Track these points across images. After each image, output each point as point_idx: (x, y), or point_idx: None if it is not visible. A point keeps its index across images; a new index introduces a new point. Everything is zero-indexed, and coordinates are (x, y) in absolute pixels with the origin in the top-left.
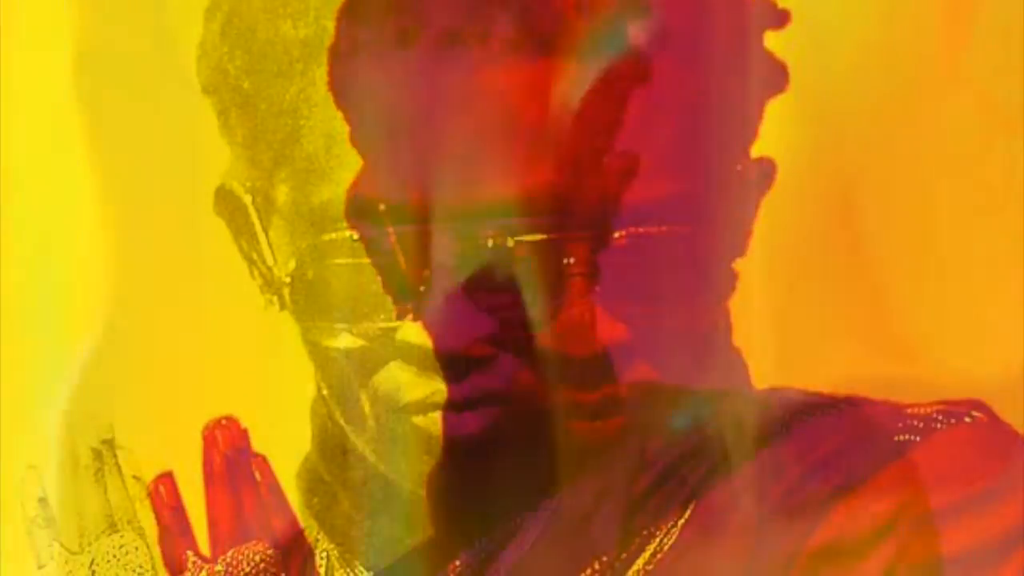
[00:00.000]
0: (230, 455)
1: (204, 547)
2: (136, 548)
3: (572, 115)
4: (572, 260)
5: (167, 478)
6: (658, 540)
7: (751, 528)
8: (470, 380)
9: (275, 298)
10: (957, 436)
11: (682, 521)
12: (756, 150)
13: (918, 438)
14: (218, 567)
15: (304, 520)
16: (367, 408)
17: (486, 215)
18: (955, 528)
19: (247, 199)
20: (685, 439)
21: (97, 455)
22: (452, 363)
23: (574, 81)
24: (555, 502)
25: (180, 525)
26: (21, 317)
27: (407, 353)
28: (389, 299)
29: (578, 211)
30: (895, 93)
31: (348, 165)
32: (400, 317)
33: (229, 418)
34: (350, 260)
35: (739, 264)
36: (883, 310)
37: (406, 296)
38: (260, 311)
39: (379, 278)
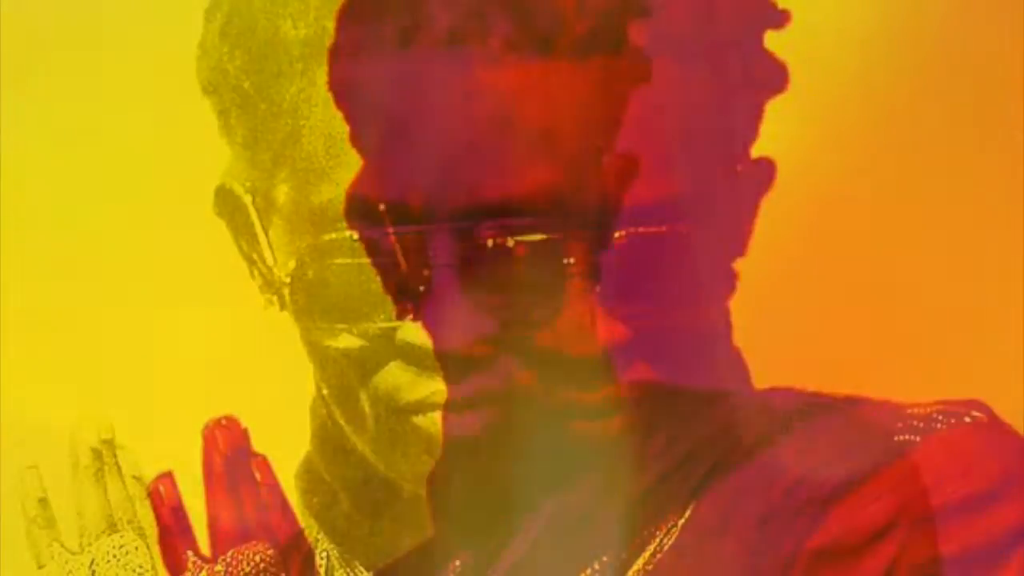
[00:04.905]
0: (230, 455)
1: (204, 547)
2: (136, 548)
3: (572, 115)
4: (572, 260)
5: (167, 478)
6: (658, 540)
7: (751, 528)
8: (470, 380)
9: (275, 298)
10: (957, 436)
11: (682, 521)
12: (756, 150)
13: (918, 438)
14: (218, 567)
15: (304, 520)
16: (367, 408)
17: (486, 215)
18: (955, 528)
19: (247, 199)
20: (685, 439)
21: (97, 455)
22: (452, 363)
23: (574, 81)
24: (555, 502)
25: (180, 525)
26: (21, 317)
27: (407, 353)
28: (389, 299)
29: (578, 211)
30: (895, 93)
31: (348, 165)
32: (400, 317)
33: (229, 418)
34: (350, 260)
35: (739, 264)
36: (883, 310)
37: (406, 296)
38: (260, 311)
39: (379, 278)
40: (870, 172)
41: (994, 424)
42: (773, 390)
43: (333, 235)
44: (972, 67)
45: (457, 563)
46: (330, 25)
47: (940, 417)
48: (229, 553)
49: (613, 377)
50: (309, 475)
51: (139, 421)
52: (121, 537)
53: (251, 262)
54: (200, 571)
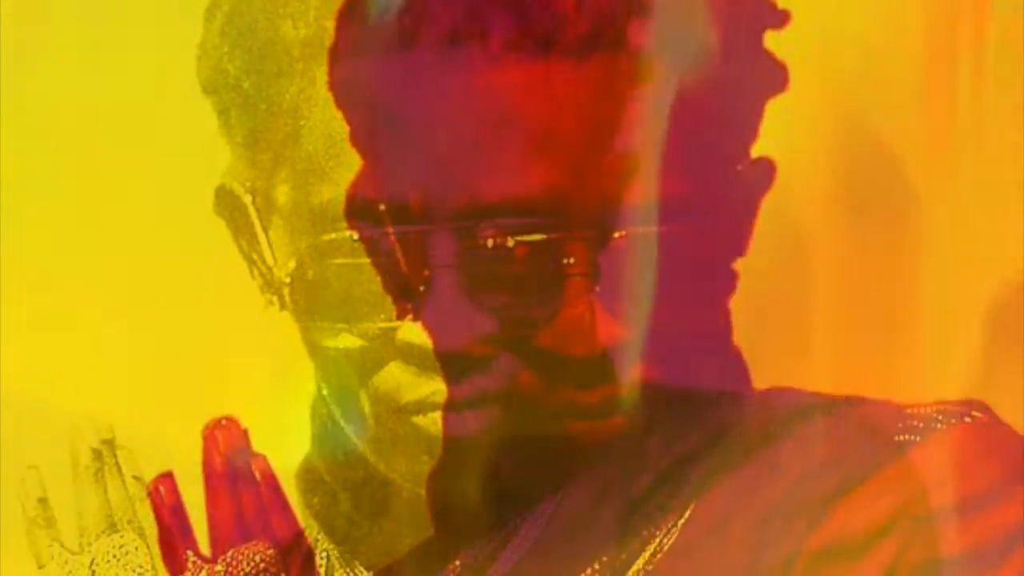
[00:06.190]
0: (230, 455)
1: (204, 547)
2: (136, 548)
3: (572, 115)
4: (572, 260)
5: (167, 478)
6: (658, 540)
7: (751, 528)
8: (470, 380)
9: (275, 298)
10: (957, 436)
11: (682, 521)
12: (756, 150)
13: (918, 438)
14: (218, 567)
15: (304, 520)
16: (367, 408)
17: (486, 215)
18: (955, 528)
19: (247, 199)
20: (685, 439)
21: (97, 455)
22: (452, 363)
23: (574, 81)
24: (555, 502)
25: (180, 525)
26: (21, 317)
27: (407, 353)
28: (389, 299)
29: (578, 211)
30: (894, 93)
31: (348, 165)
32: (400, 317)
33: (229, 418)
34: (350, 260)
35: (739, 264)
36: (883, 309)
37: (406, 296)
38: (260, 311)
39: (379, 278)
40: (870, 172)
41: (994, 424)
42: (773, 390)
43: (333, 235)
44: (972, 67)
45: (457, 563)
46: (330, 25)
47: (940, 417)
48: (229, 553)
49: (613, 377)
50: (309, 475)
51: (139, 421)
52: (121, 537)
53: (251, 262)
54: (200, 571)
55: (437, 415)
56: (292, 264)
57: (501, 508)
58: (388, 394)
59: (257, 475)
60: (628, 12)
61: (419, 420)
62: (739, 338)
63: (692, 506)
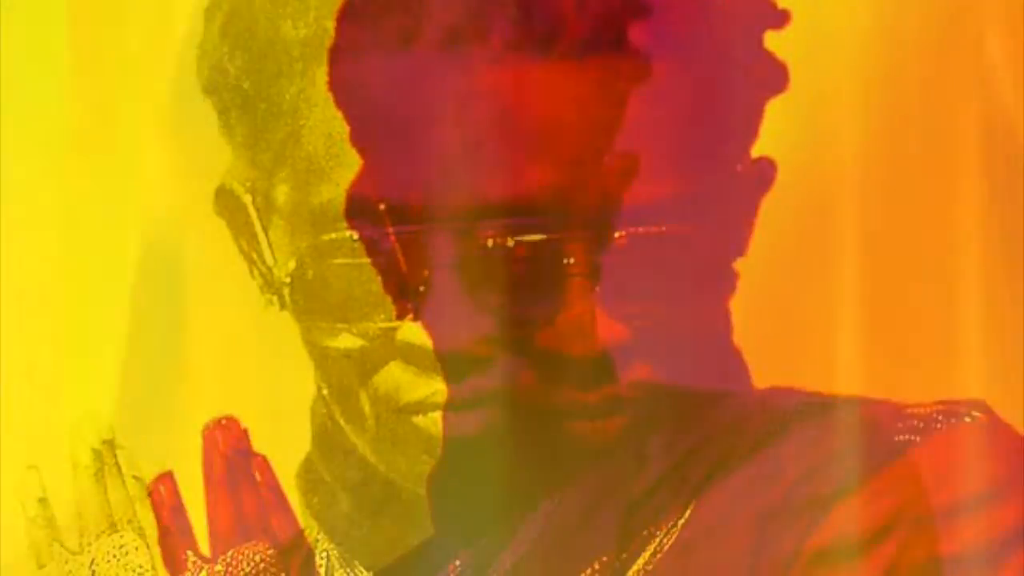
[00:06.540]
0: (230, 455)
1: (204, 547)
2: (136, 548)
3: (572, 115)
4: (572, 260)
5: (167, 478)
6: (658, 540)
7: (751, 528)
8: (470, 380)
9: (275, 298)
10: (957, 436)
11: (682, 521)
12: (756, 150)
13: (918, 438)
14: (218, 567)
15: (304, 520)
16: (367, 408)
17: (486, 215)
18: (955, 528)
19: (247, 199)
20: (685, 439)
21: (97, 455)
22: (452, 363)
23: (574, 81)
24: (555, 502)
25: (180, 525)
26: (21, 317)
27: (407, 353)
28: (389, 299)
29: (578, 211)
30: (894, 94)
31: (348, 165)
32: (400, 317)
33: (229, 418)
34: (350, 260)
35: (739, 264)
36: (883, 310)
37: (406, 296)
38: (260, 311)
39: (379, 278)
40: (870, 172)
41: (994, 424)
42: (773, 390)
43: (333, 235)
44: (972, 66)
45: (457, 563)
46: (330, 25)
47: (940, 417)
48: (229, 553)
49: (613, 377)
50: (309, 475)
51: (139, 421)
52: (121, 537)
53: (251, 262)
54: (200, 571)
55: (437, 415)
56: (292, 264)
57: (501, 508)
58: (388, 394)
59: (257, 475)
60: (628, 12)
61: (419, 420)
62: (739, 338)
63: (692, 506)
